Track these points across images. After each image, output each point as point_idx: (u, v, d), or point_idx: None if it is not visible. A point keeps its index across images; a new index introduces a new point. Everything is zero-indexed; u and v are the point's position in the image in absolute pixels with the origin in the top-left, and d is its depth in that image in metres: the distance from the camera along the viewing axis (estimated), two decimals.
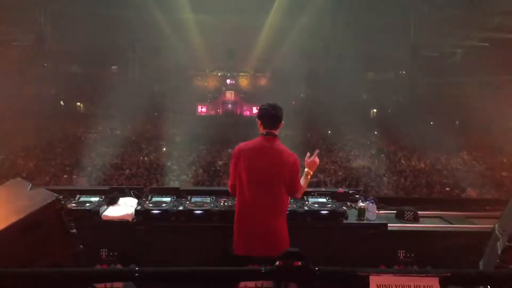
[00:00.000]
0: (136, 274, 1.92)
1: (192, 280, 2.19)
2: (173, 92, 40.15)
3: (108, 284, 3.81)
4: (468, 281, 2.18)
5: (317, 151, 3.77)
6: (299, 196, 3.65)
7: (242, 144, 3.60)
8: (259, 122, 3.61)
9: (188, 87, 41.05)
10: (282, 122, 3.61)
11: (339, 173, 14.94)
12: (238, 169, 3.53)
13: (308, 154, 3.76)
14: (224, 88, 44.71)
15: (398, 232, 4.12)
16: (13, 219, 2.32)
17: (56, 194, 2.58)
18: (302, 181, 3.62)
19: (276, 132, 3.58)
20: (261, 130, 3.59)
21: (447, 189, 12.85)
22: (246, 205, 3.49)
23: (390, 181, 13.80)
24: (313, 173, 3.76)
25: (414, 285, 1.90)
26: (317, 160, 3.73)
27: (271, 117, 3.57)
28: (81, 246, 2.69)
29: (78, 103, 38.68)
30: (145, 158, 17.16)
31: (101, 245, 3.96)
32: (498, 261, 2.60)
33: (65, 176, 14.13)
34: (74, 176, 14.16)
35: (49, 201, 2.45)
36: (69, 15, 33.09)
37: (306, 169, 3.70)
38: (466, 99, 20.92)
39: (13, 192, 2.79)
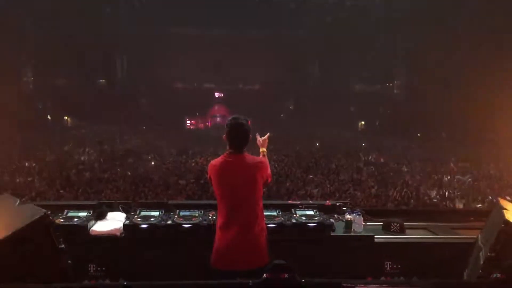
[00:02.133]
0: None
1: None
2: (161, 105, 40.25)
3: None
4: None
5: (267, 134, 4.14)
6: (270, 179, 3.74)
7: (213, 162, 3.62)
8: (226, 139, 3.57)
9: (176, 101, 41.03)
10: (250, 137, 3.63)
11: (328, 186, 14.97)
12: (213, 185, 3.59)
13: (258, 135, 4.09)
14: (212, 101, 44.91)
15: (384, 244, 4.17)
16: (1, 235, 2.32)
17: (44, 210, 2.59)
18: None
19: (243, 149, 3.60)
20: (228, 147, 3.58)
21: (435, 200, 12.98)
22: (224, 219, 3.53)
23: (378, 193, 13.86)
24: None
25: None
26: (267, 139, 4.11)
27: (239, 139, 3.56)
28: (69, 262, 2.69)
29: (66, 117, 38.53)
30: (128, 173, 17.04)
31: (89, 260, 3.95)
32: (480, 271, 2.65)
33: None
34: (61, 191, 14.01)
35: (37, 216, 2.45)
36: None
37: (261, 149, 4.02)
38: None
39: (1, 207, 2.79)
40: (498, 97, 21.54)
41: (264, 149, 4.02)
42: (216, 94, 45.41)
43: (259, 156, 3.93)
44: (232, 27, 35.74)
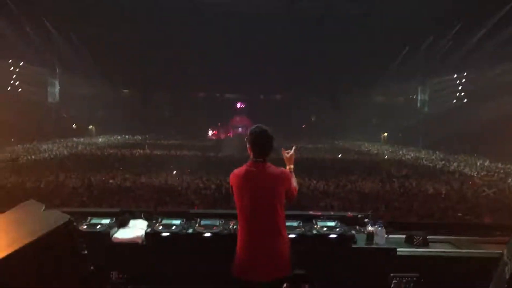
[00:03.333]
0: None
1: None
2: (184, 115, 40.71)
3: None
4: None
5: (294, 147, 4.03)
6: (295, 197, 3.69)
7: (235, 171, 3.62)
8: (250, 148, 3.60)
9: (199, 111, 41.48)
10: (273, 145, 3.61)
11: (349, 197, 14.83)
12: (234, 195, 3.60)
13: (283, 150, 3.95)
14: (234, 111, 45.18)
15: (407, 257, 4.11)
16: (26, 240, 2.37)
17: (68, 216, 2.64)
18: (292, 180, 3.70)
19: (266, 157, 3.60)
20: (251, 156, 3.59)
21: (459, 214, 12.72)
22: (245, 230, 3.52)
23: (401, 205, 13.65)
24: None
25: None
26: (293, 153, 3.96)
27: (261, 147, 3.56)
28: (91, 268, 2.73)
29: (90, 126, 39.46)
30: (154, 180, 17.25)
31: (111, 267, 3.99)
32: (506, 286, 2.59)
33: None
34: (84, 199, 14.22)
35: (61, 222, 2.50)
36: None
37: (287, 166, 3.85)
38: None
39: (26, 213, 2.86)
40: None
41: (292, 166, 3.90)
42: (238, 105, 45.73)
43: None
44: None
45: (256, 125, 3.65)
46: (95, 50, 33.81)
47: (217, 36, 34.34)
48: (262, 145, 3.57)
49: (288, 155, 3.93)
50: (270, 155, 3.60)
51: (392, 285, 2.85)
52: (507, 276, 2.65)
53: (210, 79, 39.08)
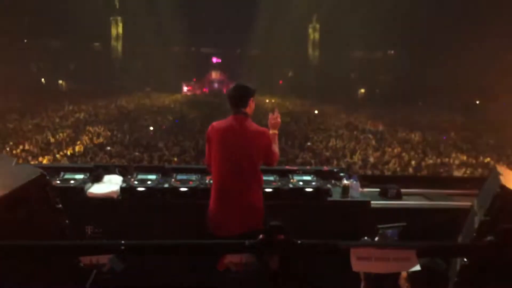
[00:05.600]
0: (122, 247, 1.94)
1: (177, 253, 2.22)
2: (157, 70, 39.76)
3: (94, 260, 3.84)
4: (445, 253, 2.26)
5: (276, 110, 3.87)
6: (276, 163, 3.74)
7: (214, 124, 3.62)
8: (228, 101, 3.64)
9: (173, 65, 40.49)
10: (251, 101, 3.61)
11: (326, 153, 15.03)
12: (211, 148, 3.57)
13: (271, 114, 3.84)
14: (210, 66, 44.38)
15: (381, 209, 4.20)
16: None
17: (41, 170, 2.58)
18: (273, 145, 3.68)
19: (247, 110, 3.59)
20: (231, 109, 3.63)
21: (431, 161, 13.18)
22: (221, 184, 3.53)
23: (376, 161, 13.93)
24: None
25: (392, 258, 1.96)
26: (279, 119, 3.81)
27: (233, 98, 3.59)
28: (67, 222, 2.70)
29: (60, 81, 38.25)
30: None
31: (86, 222, 3.97)
32: (474, 235, 2.68)
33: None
34: (57, 156, 14.03)
35: (34, 176, 2.44)
36: None
37: (271, 131, 3.76)
38: None
39: None
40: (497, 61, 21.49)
41: (276, 131, 3.79)
42: (214, 60, 44.88)
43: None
44: None
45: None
46: None
47: None
48: (237, 96, 3.57)
49: (273, 120, 3.82)
50: (247, 107, 3.59)
51: (378, 236, 2.94)
52: (476, 226, 2.74)
53: (185, 31, 38.12)
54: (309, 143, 16.41)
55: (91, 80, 35.33)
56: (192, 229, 3.76)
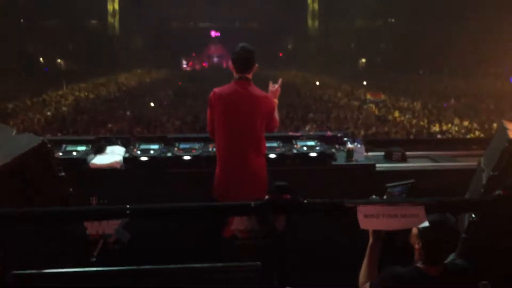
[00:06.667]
0: (128, 212, 1.92)
1: (183, 216, 2.21)
2: (156, 45, 39.32)
3: (100, 231, 3.86)
4: (453, 208, 2.24)
5: (280, 79, 3.84)
6: (276, 130, 3.77)
7: (216, 90, 3.54)
8: (232, 66, 3.55)
9: (172, 40, 40.00)
10: (256, 65, 3.55)
11: (327, 124, 14.97)
12: (214, 114, 3.52)
13: (271, 83, 3.81)
14: (209, 41, 43.89)
15: (386, 172, 4.17)
16: None
17: (41, 138, 2.54)
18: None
19: (250, 75, 3.53)
20: (235, 74, 3.53)
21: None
22: (225, 150, 3.51)
23: (378, 130, 13.89)
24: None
25: (400, 214, 1.94)
26: (279, 88, 3.79)
27: (241, 60, 3.51)
28: (70, 190, 2.68)
29: (58, 60, 37.91)
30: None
31: (90, 193, 3.96)
32: (482, 190, 2.66)
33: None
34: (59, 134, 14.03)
35: (35, 144, 2.41)
36: None
37: None
38: None
39: None
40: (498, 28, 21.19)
41: (276, 100, 3.74)
42: (213, 34, 44.33)
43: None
44: None
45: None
46: None
47: None
48: (245, 59, 3.49)
49: (274, 89, 3.78)
50: (252, 71, 3.53)
51: (386, 194, 2.92)
52: (484, 182, 2.71)
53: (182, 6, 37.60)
54: (311, 114, 16.31)
55: (91, 59, 34.98)
56: (197, 198, 3.74)
